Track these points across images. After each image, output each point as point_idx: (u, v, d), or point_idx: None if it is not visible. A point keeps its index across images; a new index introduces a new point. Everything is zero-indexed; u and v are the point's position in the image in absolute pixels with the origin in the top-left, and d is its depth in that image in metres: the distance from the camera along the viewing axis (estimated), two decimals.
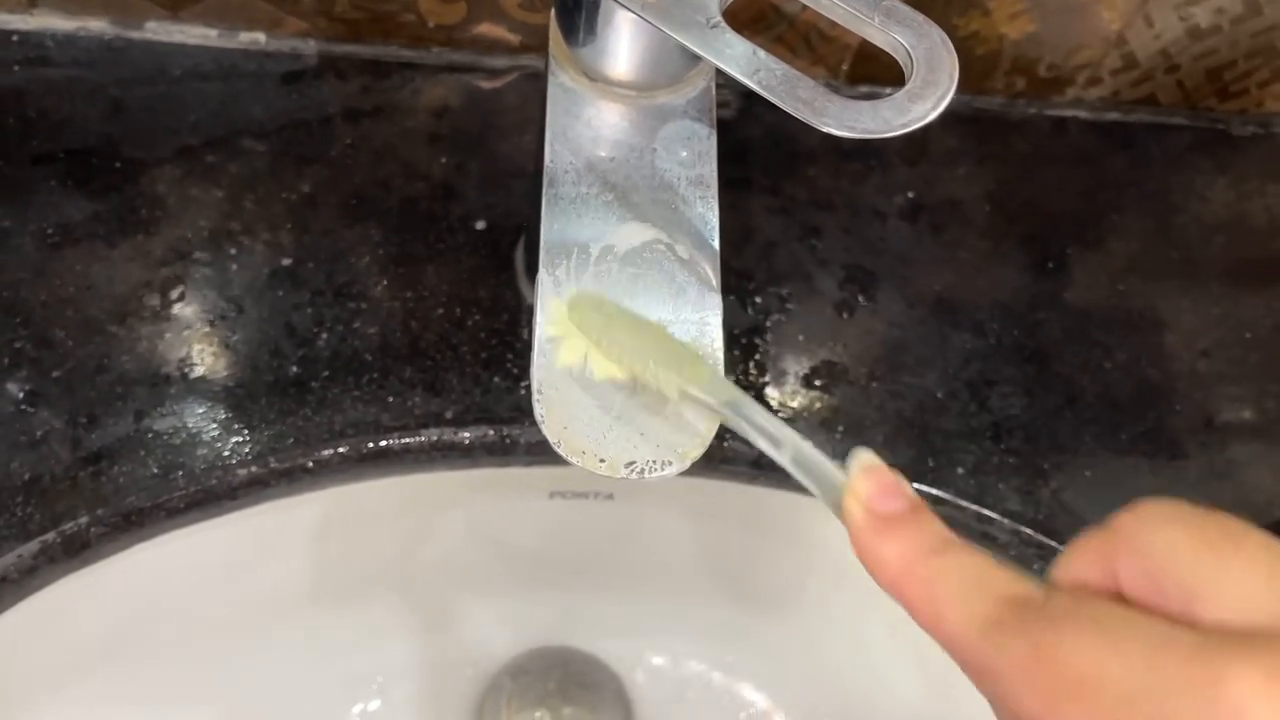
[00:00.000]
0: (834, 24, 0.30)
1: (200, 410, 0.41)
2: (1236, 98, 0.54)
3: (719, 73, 0.31)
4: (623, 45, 0.32)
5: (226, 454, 0.41)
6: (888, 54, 0.29)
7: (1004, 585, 0.22)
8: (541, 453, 0.43)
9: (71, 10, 0.47)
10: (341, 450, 0.42)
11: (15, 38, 0.47)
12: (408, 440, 0.42)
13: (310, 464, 0.41)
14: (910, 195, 0.50)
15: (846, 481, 0.25)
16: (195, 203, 0.45)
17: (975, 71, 0.51)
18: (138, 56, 0.48)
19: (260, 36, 0.49)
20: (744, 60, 0.29)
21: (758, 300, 0.47)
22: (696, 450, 0.31)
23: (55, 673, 0.44)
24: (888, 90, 0.52)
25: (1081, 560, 0.23)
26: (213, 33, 0.48)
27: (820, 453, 0.27)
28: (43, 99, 0.46)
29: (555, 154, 0.33)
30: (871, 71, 0.51)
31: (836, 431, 0.45)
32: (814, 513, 0.47)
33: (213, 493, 0.41)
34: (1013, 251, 0.50)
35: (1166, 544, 0.21)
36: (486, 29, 0.49)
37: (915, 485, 0.44)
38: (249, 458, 0.41)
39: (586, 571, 0.53)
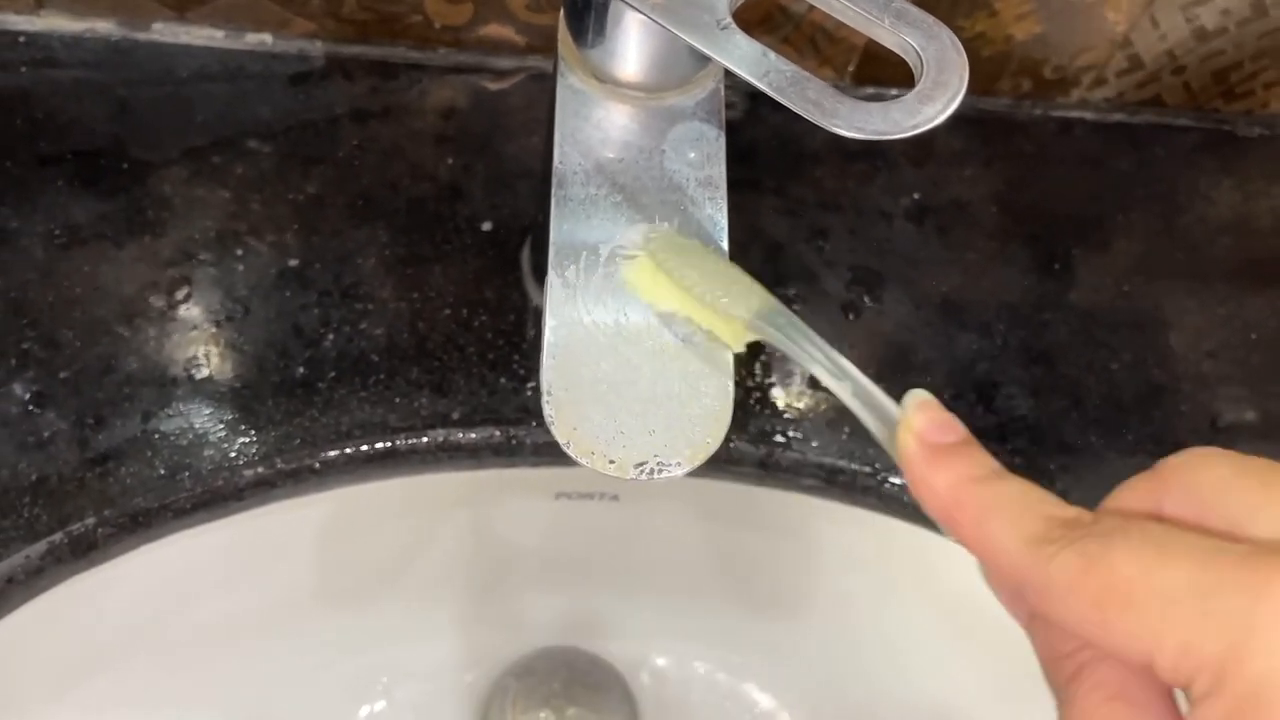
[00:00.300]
0: (840, 25, 0.30)
1: (207, 411, 0.41)
2: (1242, 99, 0.54)
3: (727, 73, 0.31)
4: (632, 46, 0.32)
5: (233, 455, 0.41)
6: (894, 55, 0.29)
7: (1053, 507, 0.23)
8: (547, 454, 0.43)
9: (78, 11, 0.47)
10: (348, 451, 0.42)
11: (22, 39, 0.47)
12: (414, 441, 0.42)
13: (317, 465, 0.41)
14: (916, 196, 0.50)
15: (900, 416, 0.26)
16: (202, 204, 0.45)
17: (982, 73, 0.51)
18: (144, 58, 0.48)
19: (267, 38, 0.49)
20: (753, 61, 0.29)
21: None
22: (705, 451, 0.31)
23: (62, 673, 0.44)
24: (893, 91, 0.52)
25: (1129, 495, 0.24)
26: (220, 34, 0.48)
27: (878, 389, 0.28)
28: (50, 100, 0.46)
29: (564, 155, 0.33)
30: (877, 72, 0.51)
31: (843, 433, 0.45)
32: (820, 513, 0.47)
33: (219, 494, 0.41)
34: (1019, 253, 0.50)
35: (1213, 479, 0.22)
36: (493, 30, 0.49)
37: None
38: (255, 459, 0.41)
39: (592, 572, 0.53)
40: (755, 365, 0.45)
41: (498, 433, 0.43)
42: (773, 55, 0.29)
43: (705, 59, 0.32)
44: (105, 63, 0.47)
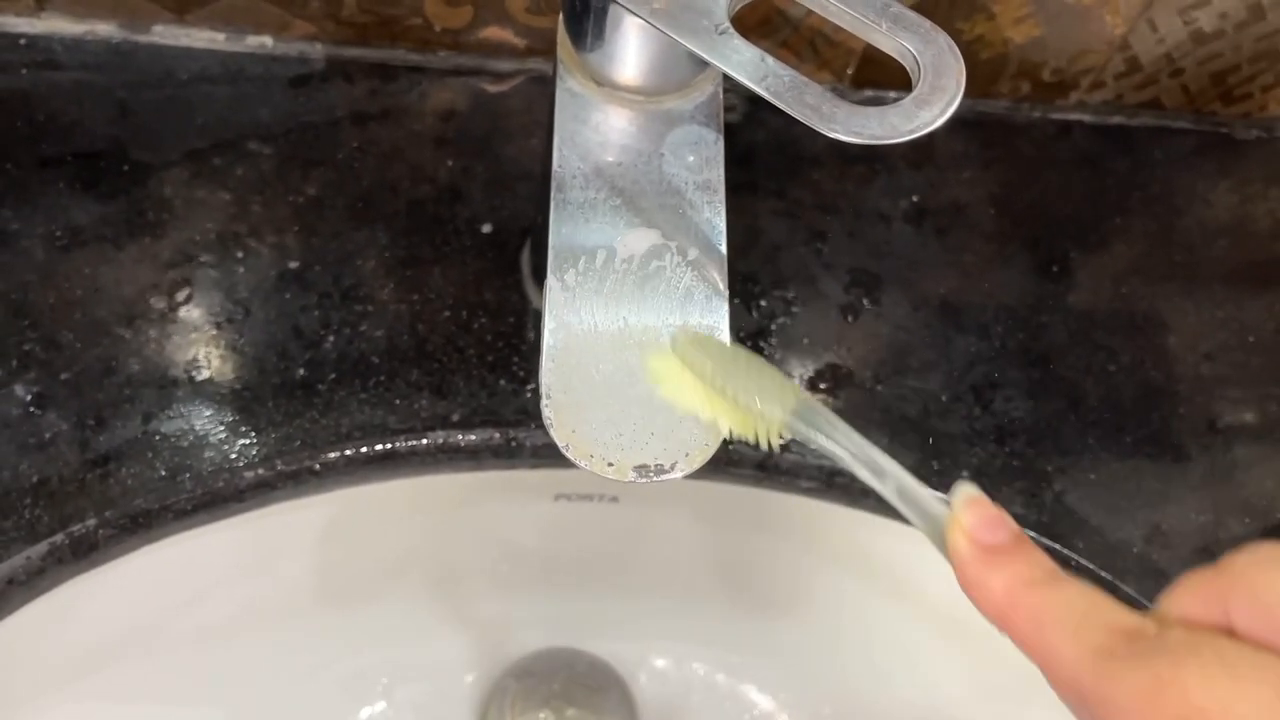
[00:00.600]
0: (839, 28, 0.30)
1: (207, 413, 0.41)
2: (1240, 101, 0.54)
3: (725, 77, 0.32)
4: (630, 51, 0.32)
5: (233, 456, 0.41)
6: (892, 58, 0.30)
7: (1115, 616, 0.22)
8: (547, 455, 0.43)
9: (79, 14, 0.48)
10: (348, 453, 0.42)
11: (23, 41, 0.47)
12: (414, 443, 0.42)
13: (317, 466, 0.42)
14: (915, 199, 0.50)
15: (949, 514, 0.25)
16: (202, 205, 0.45)
17: (980, 76, 0.52)
18: (145, 60, 0.48)
19: (267, 40, 0.49)
20: (752, 66, 0.29)
21: (763, 303, 0.47)
22: (704, 454, 0.31)
23: (63, 673, 0.44)
24: (892, 94, 0.52)
25: (1191, 598, 0.23)
26: (220, 36, 0.49)
27: (922, 485, 0.27)
28: (50, 102, 0.46)
29: (563, 159, 0.33)
30: (876, 76, 0.51)
31: None
32: (819, 515, 0.47)
33: (220, 495, 0.41)
34: (1017, 255, 0.50)
35: None
36: (493, 33, 0.49)
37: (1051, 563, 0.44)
38: (256, 460, 0.41)
39: (591, 573, 0.54)
40: None
41: (497, 435, 0.43)
42: (771, 60, 0.29)
43: (703, 63, 0.32)
44: (106, 65, 0.48)
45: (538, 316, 0.45)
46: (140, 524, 0.40)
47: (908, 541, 0.45)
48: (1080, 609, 0.23)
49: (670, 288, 0.32)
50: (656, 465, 0.30)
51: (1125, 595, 0.44)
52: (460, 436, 0.42)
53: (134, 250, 0.44)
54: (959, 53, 0.29)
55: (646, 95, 0.34)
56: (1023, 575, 0.24)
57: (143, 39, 0.48)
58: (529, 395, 0.43)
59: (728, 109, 0.49)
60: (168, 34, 0.48)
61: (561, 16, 0.34)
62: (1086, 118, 0.54)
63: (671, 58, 0.33)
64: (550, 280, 0.32)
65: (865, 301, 0.48)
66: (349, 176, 0.47)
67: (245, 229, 0.45)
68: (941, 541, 0.26)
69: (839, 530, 0.48)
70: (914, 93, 0.28)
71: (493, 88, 0.50)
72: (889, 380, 0.46)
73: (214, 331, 0.43)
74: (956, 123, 0.28)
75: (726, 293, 0.33)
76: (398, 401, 0.42)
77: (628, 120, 0.34)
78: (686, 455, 0.31)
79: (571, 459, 0.30)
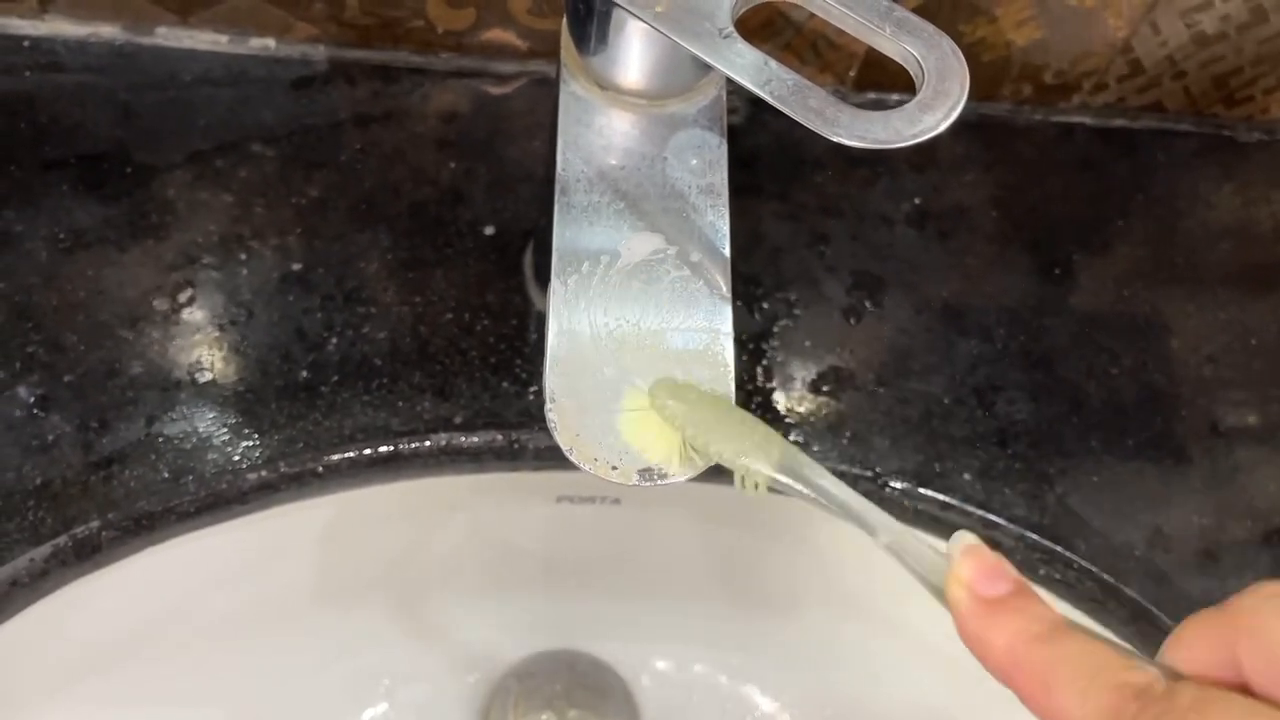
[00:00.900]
0: (841, 31, 0.30)
1: (210, 415, 0.41)
2: (1243, 104, 0.54)
3: (729, 81, 0.32)
4: (634, 54, 0.32)
5: (236, 458, 0.41)
6: (894, 62, 0.30)
7: (1122, 674, 0.22)
8: (549, 458, 0.43)
9: (82, 16, 0.48)
10: (351, 455, 0.42)
11: (26, 43, 0.47)
12: (416, 445, 0.42)
13: (320, 468, 0.42)
14: (917, 202, 0.50)
15: (947, 566, 0.25)
16: (205, 207, 0.45)
17: (982, 78, 0.52)
18: (148, 62, 0.48)
19: (270, 42, 0.49)
20: (755, 70, 0.29)
21: (765, 306, 0.47)
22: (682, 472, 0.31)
23: (66, 675, 0.44)
24: (894, 97, 0.52)
25: (1198, 643, 0.22)
26: (223, 38, 0.49)
27: (917, 536, 0.27)
28: (54, 104, 0.46)
29: (567, 162, 0.33)
30: (878, 78, 0.51)
31: (844, 437, 0.45)
32: (820, 518, 0.47)
33: (223, 497, 0.41)
34: (1019, 257, 0.50)
35: None
36: (495, 35, 0.49)
37: (921, 490, 0.44)
38: (259, 462, 0.41)
39: (593, 575, 0.54)
40: (757, 370, 0.46)
41: (500, 436, 0.43)
42: (774, 64, 0.29)
43: (707, 67, 0.32)
44: (109, 67, 0.48)
45: (540, 319, 0.45)
46: (143, 526, 0.40)
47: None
48: (1087, 667, 0.22)
49: (674, 291, 0.32)
50: (660, 468, 0.30)
51: (1127, 598, 0.44)
52: (463, 438, 0.42)
53: (137, 252, 0.44)
54: (963, 57, 0.29)
55: (650, 99, 0.34)
56: (1026, 631, 0.23)
57: (146, 41, 0.48)
58: (532, 397, 0.43)
59: (730, 112, 0.49)
60: (171, 36, 0.48)
61: (565, 20, 0.34)
62: (1088, 120, 0.54)
63: (675, 61, 0.33)
64: (554, 284, 0.32)
65: (868, 304, 0.48)
66: (351, 178, 0.47)
67: (248, 231, 0.45)
68: (940, 593, 0.25)
69: (840, 531, 0.48)
70: (918, 97, 0.28)
71: (495, 90, 0.50)
72: (891, 383, 0.46)
73: (217, 333, 0.43)
74: (958, 125, 0.28)
75: (730, 297, 0.33)
76: (400, 403, 0.42)
77: (631, 124, 0.34)
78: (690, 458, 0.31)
79: (575, 462, 0.30)
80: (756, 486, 0.29)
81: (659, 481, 0.30)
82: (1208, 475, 0.47)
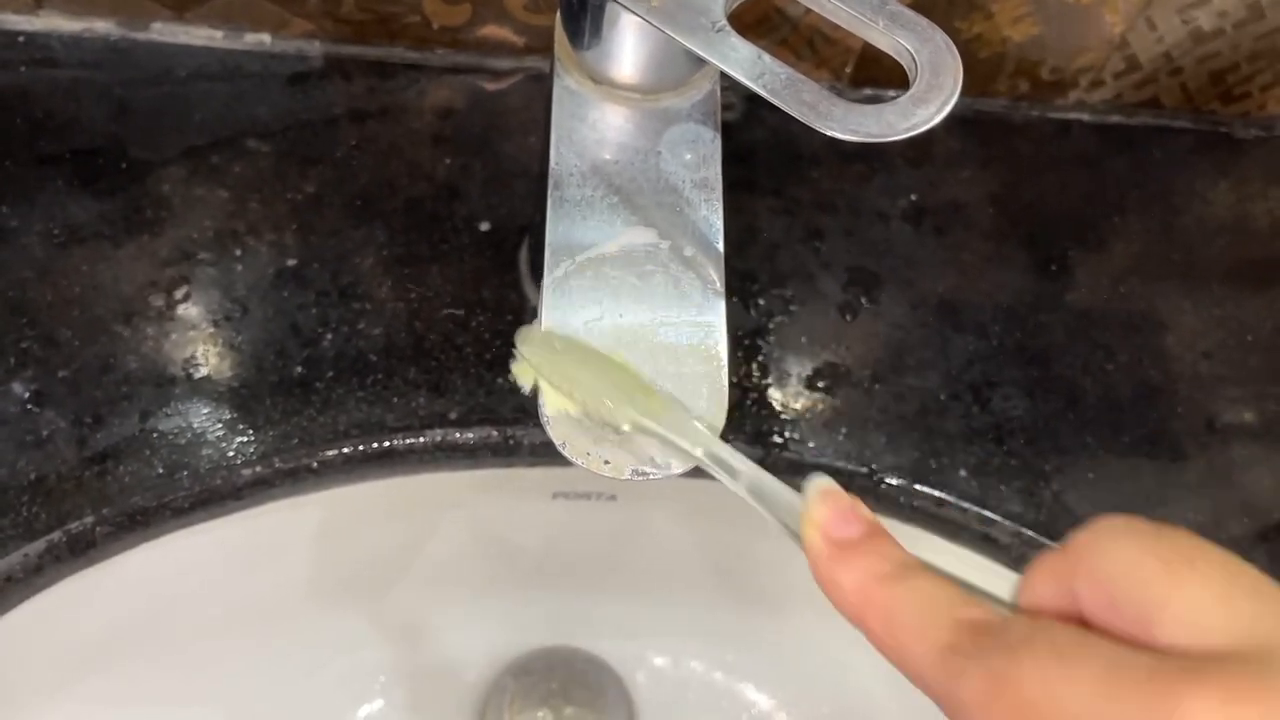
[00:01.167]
0: (837, 27, 0.30)
1: (205, 410, 0.41)
2: (1239, 100, 0.54)
3: (723, 75, 0.32)
4: (628, 48, 0.32)
5: (231, 454, 0.41)
6: (891, 57, 0.30)
7: (961, 610, 0.22)
8: (545, 454, 0.43)
9: (77, 11, 0.48)
10: (346, 451, 0.42)
11: (21, 39, 0.47)
12: (412, 441, 0.42)
13: (314, 464, 0.42)
14: (913, 198, 0.50)
15: (802, 509, 0.25)
16: (201, 203, 0.45)
17: (978, 74, 0.52)
18: (143, 57, 0.48)
19: (266, 38, 0.49)
20: (748, 64, 0.29)
21: (761, 302, 0.47)
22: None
23: (60, 671, 0.44)
24: (890, 93, 0.52)
25: (1042, 581, 0.22)
26: (218, 34, 0.49)
27: (778, 481, 0.26)
28: (49, 100, 0.46)
29: (560, 156, 0.33)
30: (874, 74, 0.51)
31: (839, 433, 0.45)
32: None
33: (217, 493, 0.41)
34: (1015, 254, 0.50)
35: (1121, 563, 0.21)
36: (491, 31, 0.49)
37: (917, 487, 0.44)
38: (253, 458, 0.41)
39: (589, 572, 0.54)
40: (753, 366, 0.45)
41: (495, 433, 0.43)
42: (767, 58, 0.29)
43: (701, 61, 0.32)
44: (104, 62, 0.48)
45: (536, 314, 0.44)
46: (138, 522, 0.40)
47: (905, 539, 0.45)
48: (927, 603, 0.22)
49: (667, 286, 0.32)
50: (654, 463, 0.30)
51: None
52: (458, 434, 0.42)
53: (132, 248, 0.44)
54: (956, 51, 0.29)
55: (644, 93, 0.34)
56: (873, 570, 0.23)
57: (141, 36, 0.48)
58: (527, 393, 0.43)
59: (726, 108, 0.49)
60: (166, 31, 0.48)
61: (559, 14, 0.34)
62: (1085, 116, 0.54)
63: (669, 55, 0.33)
64: (546, 278, 0.32)
65: (863, 300, 0.48)
66: (347, 174, 0.47)
67: (243, 227, 0.45)
68: (798, 537, 0.25)
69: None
70: (911, 90, 0.28)
71: (491, 86, 0.50)
72: (887, 379, 0.46)
73: (212, 329, 0.43)
74: (955, 121, 0.28)
75: (723, 291, 0.33)
76: (395, 399, 0.42)
77: (625, 118, 0.34)
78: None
79: (569, 457, 0.30)
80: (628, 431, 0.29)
81: (652, 476, 0.30)
82: (1203, 472, 0.46)
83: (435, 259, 0.45)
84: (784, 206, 0.49)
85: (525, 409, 0.43)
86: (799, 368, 0.46)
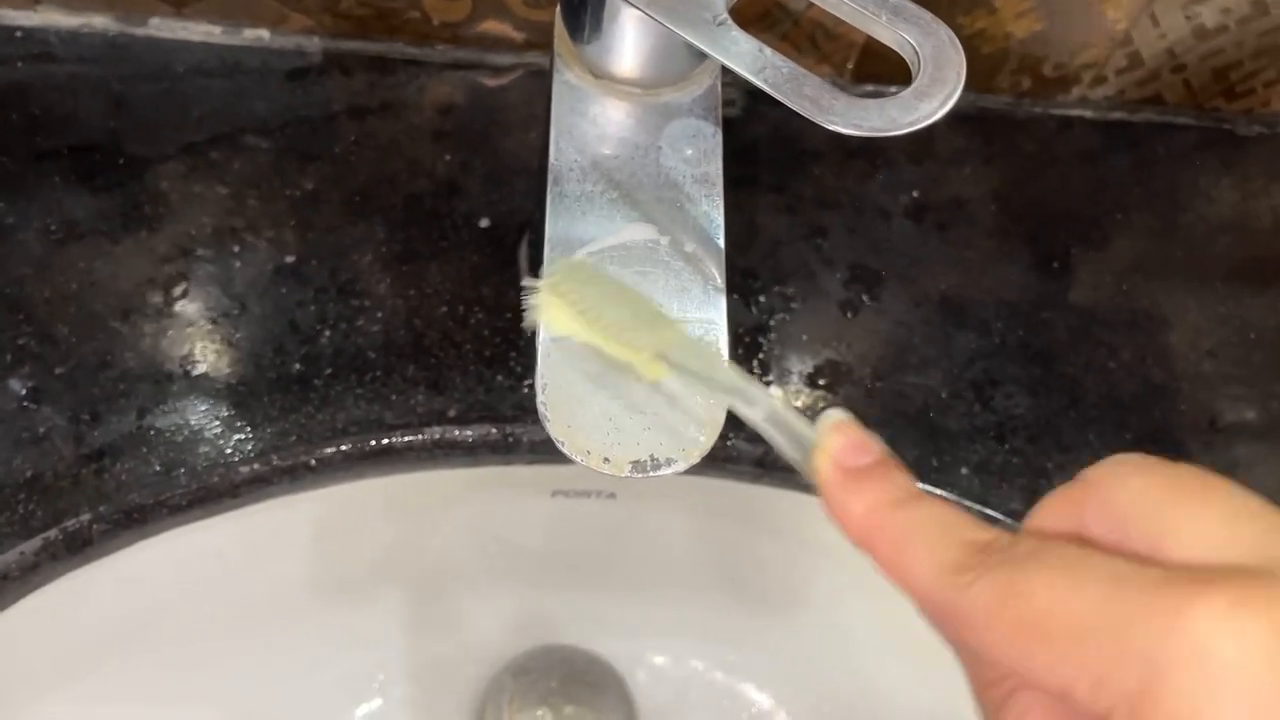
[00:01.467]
0: (839, 21, 0.30)
1: (203, 407, 0.41)
2: (1243, 97, 0.54)
3: (725, 70, 0.31)
4: (628, 42, 0.32)
5: (229, 451, 0.41)
6: (893, 52, 0.29)
7: (969, 531, 0.22)
8: (544, 451, 0.43)
9: (75, 6, 0.47)
10: (344, 448, 0.41)
11: (19, 34, 0.47)
12: (410, 438, 0.42)
13: (313, 462, 0.41)
14: (915, 194, 0.50)
15: (815, 440, 0.25)
16: (199, 199, 0.45)
17: (981, 70, 0.51)
18: (141, 53, 0.48)
19: (264, 33, 0.49)
20: (750, 58, 0.29)
21: (762, 299, 0.47)
22: (700, 449, 0.31)
23: (57, 670, 0.44)
24: (893, 88, 0.52)
25: (1051, 512, 0.23)
26: (216, 29, 0.48)
27: (794, 412, 0.27)
28: (46, 95, 0.46)
29: (560, 151, 0.33)
30: (877, 69, 0.51)
31: None
32: (816, 512, 0.47)
33: (215, 490, 0.41)
34: (1018, 251, 0.50)
35: (1133, 491, 0.21)
36: (491, 26, 0.49)
37: (919, 485, 0.44)
38: (251, 455, 0.41)
39: (589, 570, 0.53)
40: (754, 363, 0.45)
41: (494, 430, 0.42)
42: (769, 52, 0.29)
43: (702, 55, 0.32)
44: (102, 58, 0.47)
45: None
46: (135, 519, 0.40)
47: None
48: (938, 526, 0.23)
49: (667, 282, 0.32)
50: (653, 460, 0.30)
51: None
52: (457, 432, 0.42)
53: (130, 244, 0.44)
54: (959, 45, 0.28)
55: (644, 88, 0.34)
56: (884, 496, 0.24)
57: (139, 32, 0.48)
58: (526, 391, 0.43)
59: (727, 103, 0.49)
60: (164, 27, 0.48)
61: (559, 8, 0.34)
62: (1088, 113, 0.54)
63: (669, 49, 0.32)
64: (545, 275, 0.32)
65: (865, 297, 0.47)
66: (346, 170, 0.46)
67: (242, 223, 0.45)
68: (810, 468, 0.25)
69: (838, 527, 0.48)
70: (913, 85, 0.28)
71: (491, 81, 0.50)
72: (889, 377, 0.46)
73: (210, 326, 0.43)
74: (957, 117, 0.28)
75: (724, 287, 0.32)
76: (394, 397, 0.42)
77: (625, 113, 0.34)
78: (683, 450, 0.30)
79: (568, 454, 0.30)
80: (652, 376, 0.29)
81: (651, 473, 0.30)
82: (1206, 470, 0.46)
83: (435, 256, 0.45)
84: (785, 203, 0.49)
85: (524, 406, 0.43)
86: (800, 365, 0.46)
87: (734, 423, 0.41)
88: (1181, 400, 0.48)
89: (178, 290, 0.43)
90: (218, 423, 0.41)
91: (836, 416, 0.26)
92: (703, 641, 0.56)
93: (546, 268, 0.31)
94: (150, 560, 0.42)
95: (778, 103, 0.28)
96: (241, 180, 0.46)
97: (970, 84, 0.28)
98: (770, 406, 0.27)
